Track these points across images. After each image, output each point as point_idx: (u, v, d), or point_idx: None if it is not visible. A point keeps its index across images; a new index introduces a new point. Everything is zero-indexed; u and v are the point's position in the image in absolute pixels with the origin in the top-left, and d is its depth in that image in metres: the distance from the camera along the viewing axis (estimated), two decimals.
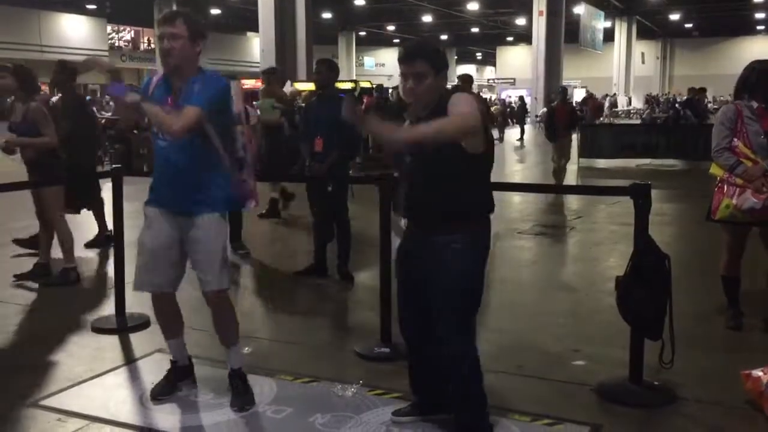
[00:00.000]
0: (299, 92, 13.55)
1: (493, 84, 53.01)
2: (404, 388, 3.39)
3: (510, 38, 50.06)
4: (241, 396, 3.49)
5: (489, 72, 61.31)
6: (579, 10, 32.12)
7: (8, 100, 6.76)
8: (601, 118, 29.27)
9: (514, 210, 9.65)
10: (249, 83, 16.77)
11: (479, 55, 61.55)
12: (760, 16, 41.89)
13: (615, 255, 6.76)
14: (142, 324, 4.60)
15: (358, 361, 4.08)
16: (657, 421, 3.38)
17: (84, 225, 7.11)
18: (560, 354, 4.20)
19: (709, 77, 28.51)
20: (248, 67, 38.23)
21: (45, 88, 10.57)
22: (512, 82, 48.22)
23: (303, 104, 10.73)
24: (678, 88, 39.35)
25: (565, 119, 11.75)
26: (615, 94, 42.25)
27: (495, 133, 25.29)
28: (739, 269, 4.55)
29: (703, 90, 17.66)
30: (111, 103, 19.99)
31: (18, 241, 6.67)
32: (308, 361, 4.11)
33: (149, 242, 3.39)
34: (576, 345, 4.32)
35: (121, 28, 39.27)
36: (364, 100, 14.69)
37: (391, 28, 44.46)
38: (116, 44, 39.42)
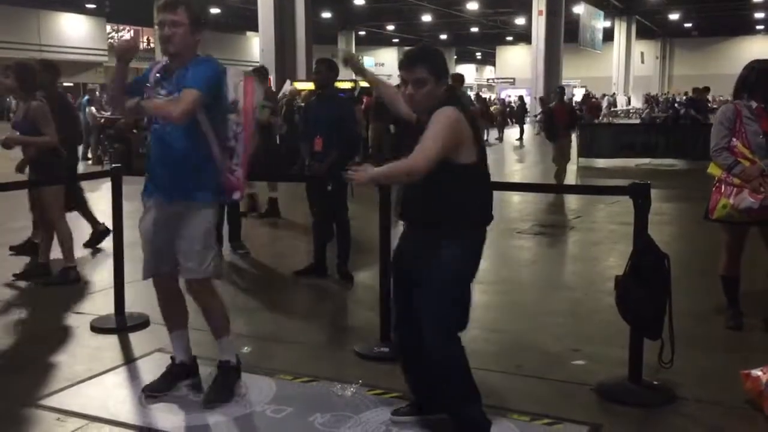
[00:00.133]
0: (298, 92, 13.54)
1: (493, 84, 53.02)
2: (403, 388, 3.39)
3: (509, 38, 50.06)
4: (213, 391, 3.47)
5: (488, 72, 61.33)
6: (578, 9, 32.12)
7: (8, 99, 6.76)
8: (600, 118, 29.26)
9: (513, 210, 9.65)
10: None
11: (479, 55, 61.56)
12: (759, 15, 41.90)
13: (614, 254, 6.76)
14: (142, 323, 4.60)
15: (358, 360, 4.08)
16: (656, 421, 3.38)
17: (83, 224, 7.10)
18: (560, 354, 4.20)
19: (708, 77, 28.47)
20: (248, 67, 38.19)
21: None
22: (512, 82, 48.23)
23: (302, 104, 10.74)
24: (677, 87, 39.35)
25: (565, 119, 11.71)
26: (614, 93, 42.28)
27: (495, 133, 25.39)
28: (738, 269, 4.55)
29: (706, 89, 17.66)
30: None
31: (14, 249, 6.67)
32: (308, 360, 4.11)
33: (143, 228, 3.44)
34: (575, 344, 4.32)
35: (121, 27, 39.28)
36: (364, 101, 14.68)
37: (390, 27, 44.47)
38: (115, 44, 39.43)
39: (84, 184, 7.09)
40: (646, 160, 15.52)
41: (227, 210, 6.79)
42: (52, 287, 5.63)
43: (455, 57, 55.63)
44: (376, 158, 12.73)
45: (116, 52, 3.40)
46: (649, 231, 3.50)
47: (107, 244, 6.44)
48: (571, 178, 12.51)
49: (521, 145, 23.21)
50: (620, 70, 43.61)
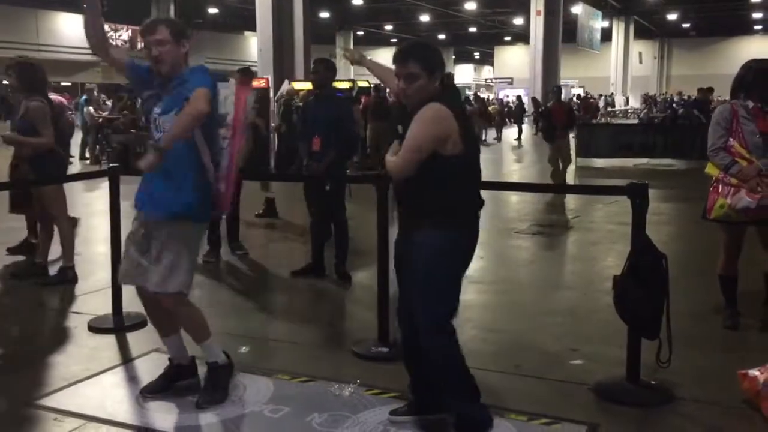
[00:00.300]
0: (296, 92, 13.54)
1: (491, 83, 53.05)
2: (401, 388, 3.39)
3: (508, 38, 50.10)
4: (205, 392, 3.48)
5: (487, 71, 61.35)
6: (576, 9, 32.15)
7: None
8: (598, 118, 29.28)
9: (511, 210, 9.66)
10: None
11: (477, 55, 61.58)
12: (757, 15, 41.96)
13: (612, 254, 6.76)
14: (139, 323, 4.59)
15: (356, 360, 4.07)
16: (654, 421, 3.38)
17: (80, 225, 7.08)
18: (558, 353, 4.20)
19: (706, 77, 28.48)
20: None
21: None
22: (510, 82, 48.27)
23: (300, 104, 10.73)
24: (675, 87, 39.38)
25: (563, 119, 11.65)
26: (612, 93, 42.33)
27: (493, 133, 25.40)
28: (736, 268, 4.55)
29: (710, 90, 17.65)
30: (108, 102, 19.96)
31: (11, 250, 6.66)
32: (306, 360, 4.11)
33: (127, 237, 3.48)
34: (574, 344, 4.32)
35: (119, 27, 39.23)
36: (362, 100, 14.68)
37: (389, 27, 44.46)
38: (113, 43, 39.39)
39: (82, 183, 7.08)
40: (644, 160, 15.53)
41: (226, 217, 6.79)
42: (50, 287, 5.62)
43: (453, 57, 55.63)
44: (374, 158, 12.74)
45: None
46: (647, 231, 3.50)
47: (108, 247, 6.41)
48: (569, 177, 12.51)
49: (519, 145, 23.22)
50: (618, 70, 43.65)
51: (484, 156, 12.10)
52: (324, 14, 37.50)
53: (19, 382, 3.79)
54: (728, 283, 4.59)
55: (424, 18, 39.77)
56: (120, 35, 39.58)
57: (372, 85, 15.63)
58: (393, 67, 3.00)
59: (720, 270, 4.59)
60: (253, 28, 22.00)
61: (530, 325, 4.83)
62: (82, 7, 3.32)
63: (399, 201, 3.15)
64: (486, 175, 3.31)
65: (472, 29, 45.88)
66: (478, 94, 32.04)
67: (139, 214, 3.45)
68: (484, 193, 3.12)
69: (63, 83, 33.94)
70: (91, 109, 16.58)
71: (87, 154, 16.54)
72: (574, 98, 32.97)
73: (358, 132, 9.47)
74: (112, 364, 4.05)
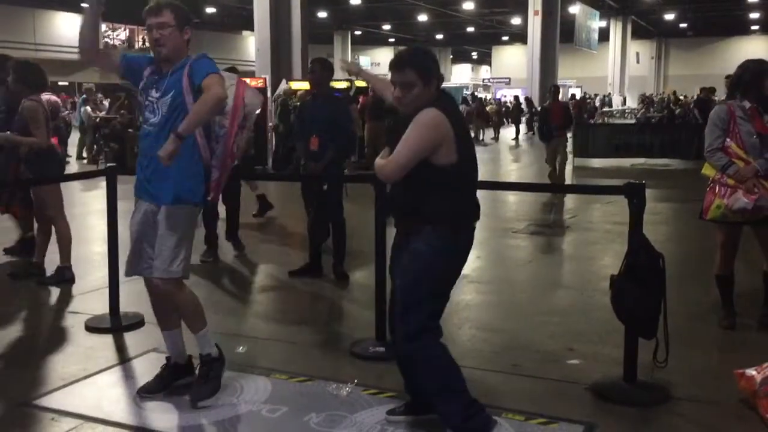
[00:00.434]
0: (294, 91, 13.54)
1: (489, 83, 53.07)
2: (399, 388, 3.39)
3: (505, 38, 50.11)
4: (200, 384, 3.49)
5: (484, 71, 61.39)
6: (574, 9, 32.16)
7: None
8: (595, 119, 29.29)
9: (509, 209, 9.67)
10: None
11: (475, 55, 61.61)
12: (754, 16, 41.98)
13: (610, 254, 6.77)
14: (137, 323, 4.59)
15: (353, 360, 4.08)
16: (651, 420, 3.39)
17: (80, 225, 7.09)
18: (555, 353, 4.21)
19: (703, 77, 28.54)
20: (244, 66, 38.21)
21: None
22: (507, 82, 48.30)
23: (298, 103, 10.74)
24: (673, 88, 39.40)
25: (560, 119, 11.63)
26: (610, 93, 42.36)
27: (490, 133, 25.43)
28: (732, 268, 4.56)
29: (713, 90, 17.65)
30: (105, 102, 19.92)
31: (7, 250, 6.65)
32: (303, 360, 4.11)
33: (130, 228, 3.46)
34: (571, 344, 4.33)
35: (116, 26, 39.20)
36: (360, 100, 14.68)
37: (386, 27, 44.45)
38: (111, 43, 39.35)
39: (79, 183, 7.07)
40: (642, 160, 15.55)
41: (226, 211, 6.80)
42: (47, 286, 5.62)
43: (451, 57, 55.68)
44: (372, 158, 12.73)
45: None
46: (644, 230, 3.51)
47: (101, 247, 6.41)
48: (566, 178, 12.53)
49: (517, 145, 23.24)
50: (616, 70, 43.67)
51: (482, 156, 12.08)
52: (322, 14, 37.48)
53: (16, 382, 3.78)
54: (725, 282, 4.59)
55: (422, 18, 39.75)
56: (118, 35, 39.56)
57: (370, 85, 15.61)
58: (389, 75, 3.01)
59: (717, 270, 4.59)
60: (251, 28, 21.98)
61: (528, 324, 4.83)
62: (83, 7, 3.31)
63: (391, 209, 3.15)
64: (484, 174, 3.32)
65: (470, 29, 45.87)
66: (476, 93, 32.04)
67: (139, 203, 3.45)
68: (482, 193, 3.12)
69: (60, 83, 33.89)
70: (89, 108, 16.56)
71: (84, 154, 16.53)
72: (570, 98, 33.00)
73: (355, 132, 9.47)
74: (110, 363, 4.04)
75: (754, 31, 48.17)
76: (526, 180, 12.94)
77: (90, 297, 5.36)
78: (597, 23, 35.50)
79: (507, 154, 20.19)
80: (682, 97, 30.95)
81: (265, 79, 15.26)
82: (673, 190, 11.07)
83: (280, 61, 17.79)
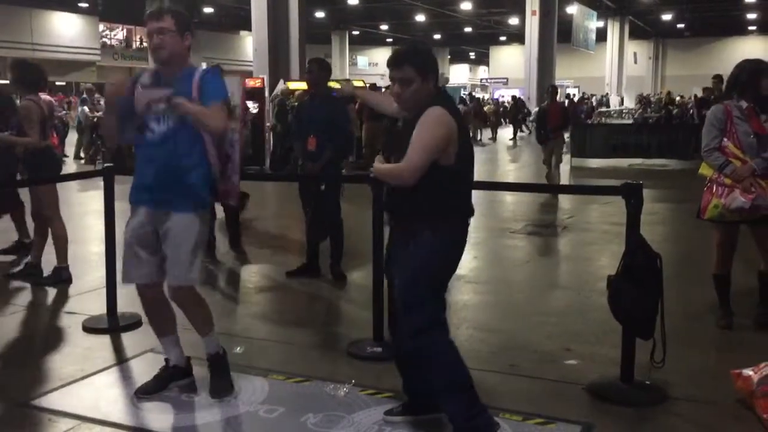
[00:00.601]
0: (291, 91, 13.53)
1: (487, 84, 53.11)
2: (396, 388, 3.39)
3: (503, 38, 50.13)
4: (217, 382, 3.53)
5: (482, 72, 61.41)
6: (572, 10, 32.18)
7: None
8: (592, 119, 29.32)
9: (506, 209, 9.67)
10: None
11: (472, 55, 61.64)
12: (751, 16, 42.06)
13: (607, 254, 6.77)
14: (134, 324, 4.58)
15: (351, 360, 4.08)
16: (648, 420, 3.39)
17: (78, 225, 7.08)
18: (552, 353, 4.21)
19: (700, 77, 28.55)
20: (242, 66, 38.20)
21: None
22: (505, 82, 48.32)
23: (296, 103, 10.73)
24: (670, 88, 39.44)
25: (558, 120, 11.58)
26: (607, 93, 42.38)
27: (488, 133, 25.44)
28: (730, 268, 4.57)
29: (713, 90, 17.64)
30: (102, 102, 19.89)
31: (3, 251, 6.63)
32: (300, 360, 4.11)
33: (128, 235, 3.44)
34: (568, 344, 4.33)
35: (114, 26, 39.16)
36: (357, 100, 14.67)
37: (384, 27, 44.46)
38: (109, 42, 39.31)
39: (76, 183, 7.06)
40: (639, 161, 15.57)
41: (227, 216, 6.82)
42: (44, 287, 5.61)
43: (449, 57, 55.67)
44: (369, 158, 12.71)
45: (106, 97, 3.48)
46: (641, 231, 3.51)
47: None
48: (564, 178, 12.53)
49: (515, 145, 23.25)
50: (613, 70, 43.74)
51: (479, 156, 12.09)
52: (319, 14, 37.48)
53: (13, 383, 3.77)
54: (722, 282, 4.60)
55: (420, 18, 39.76)
56: (115, 34, 39.53)
57: (367, 86, 15.63)
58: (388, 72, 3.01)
59: (714, 269, 4.60)
60: (248, 28, 21.98)
61: (525, 324, 4.84)
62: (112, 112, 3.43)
63: (389, 208, 3.16)
64: (481, 175, 3.32)
65: (468, 29, 45.89)
66: (473, 94, 32.05)
67: (138, 210, 3.42)
68: (479, 194, 3.13)
69: (57, 83, 33.86)
70: (86, 108, 16.54)
71: (82, 154, 16.51)
72: (572, 98, 33.06)
73: (353, 132, 9.47)
74: (107, 364, 4.04)
75: (752, 32, 48.25)
76: (524, 180, 12.94)
77: (87, 297, 5.35)
78: (594, 23, 35.53)
79: (504, 155, 20.20)
80: (678, 98, 30.97)
81: (262, 79, 15.25)
82: (671, 191, 11.08)
83: (277, 61, 17.80)
